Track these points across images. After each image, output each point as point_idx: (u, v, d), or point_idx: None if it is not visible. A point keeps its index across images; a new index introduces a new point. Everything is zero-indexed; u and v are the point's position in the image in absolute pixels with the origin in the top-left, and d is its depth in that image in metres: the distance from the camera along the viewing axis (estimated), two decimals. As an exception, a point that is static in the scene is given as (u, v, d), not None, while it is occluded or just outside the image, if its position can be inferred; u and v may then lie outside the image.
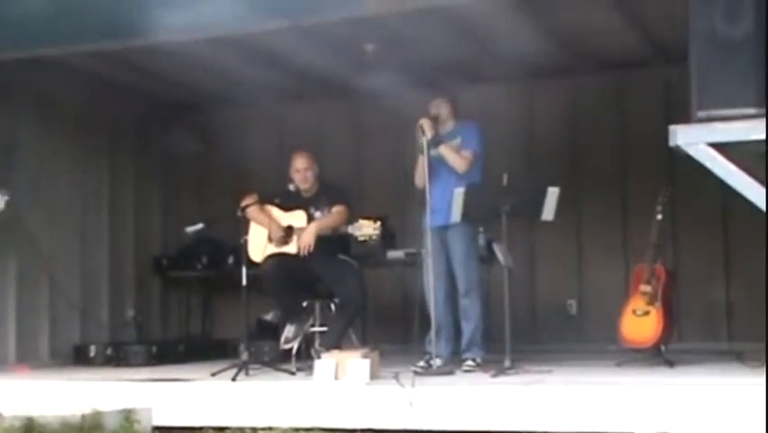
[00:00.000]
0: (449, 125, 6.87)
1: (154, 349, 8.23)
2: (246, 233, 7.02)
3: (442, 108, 6.82)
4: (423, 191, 6.55)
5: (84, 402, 5.77)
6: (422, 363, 6.44)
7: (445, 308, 6.71)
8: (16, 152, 8.12)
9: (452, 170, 6.68)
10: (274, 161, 8.91)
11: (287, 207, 7.06)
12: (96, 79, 8.55)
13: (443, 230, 6.70)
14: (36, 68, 7.62)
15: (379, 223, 6.58)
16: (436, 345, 6.53)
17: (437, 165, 6.69)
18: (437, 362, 6.47)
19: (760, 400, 4.83)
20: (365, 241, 6.66)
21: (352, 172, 9.19)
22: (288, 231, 6.97)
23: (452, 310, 6.77)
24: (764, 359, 6.04)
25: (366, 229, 6.57)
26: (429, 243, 6.59)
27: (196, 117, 9.84)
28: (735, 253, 8.53)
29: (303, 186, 7.04)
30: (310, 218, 6.92)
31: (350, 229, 6.64)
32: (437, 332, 6.56)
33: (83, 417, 5.52)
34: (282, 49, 7.74)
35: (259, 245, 7.04)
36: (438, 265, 6.68)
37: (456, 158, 6.67)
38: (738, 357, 6.85)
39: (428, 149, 6.56)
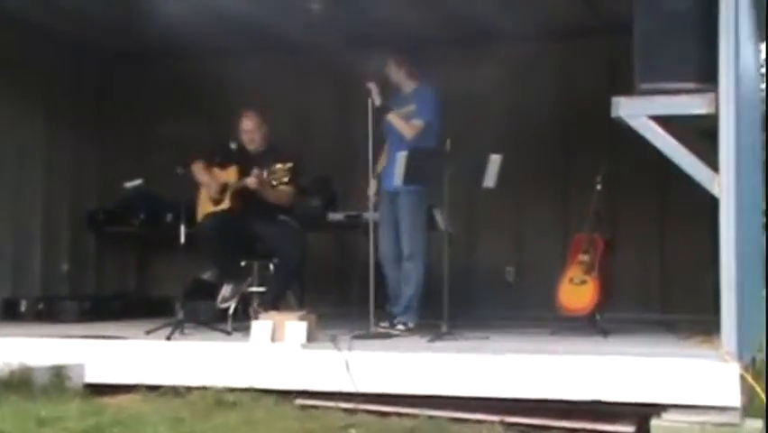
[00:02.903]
0: (408, 88, 6.84)
1: (87, 305, 8.11)
2: (196, 195, 6.98)
3: (392, 70, 6.77)
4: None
5: (12, 358, 5.68)
6: (386, 324, 6.52)
7: (396, 271, 6.76)
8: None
9: (401, 136, 6.66)
10: (215, 116, 8.81)
11: (224, 165, 6.99)
12: (31, 28, 8.32)
13: (394, 194, 6.70)
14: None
15: (290, 164, 6.50)
16: (394, 307, 6.63)
17: (392, 129, 6.70)
18: (397, 325, 6.54)
19: (690, 371, 4.92)
20: (279, 187, 6.58)
21: (296, 133, 9.10)
22: (224, 187, 6.91)
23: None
24: (696, 331, 6.15)
25: (278, 172, 6.51)
26: (371, 206, 6.60)
27: (135, 69, 9.65)
28: (670, 224, 8.66)
29: (250, 147, 6.97)
30: (242, 175, 6.82)
31: (265, 175, 6.59)
32: (395, 293, 6.67)
33: (11, 373, 5.43)
34: (222, 3, 7.59)
35: (200, 205, 7.00)
36: (390, 229, 6.70)
37: (403, 126, 6.66)
38: (670, 328, 6.97)
39: (376, 113, 6.55)
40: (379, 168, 6.84)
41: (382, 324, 6.52)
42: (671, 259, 8.68)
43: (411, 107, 6.72)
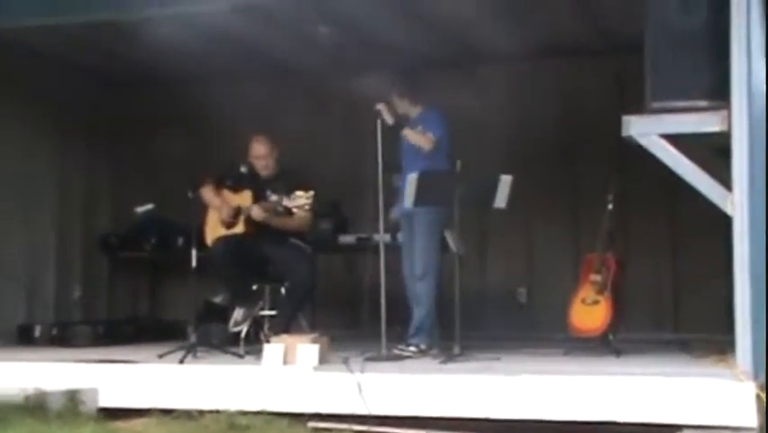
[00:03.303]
0: (414, 113, 6.87)
1: (100, 329, 8.12)
2: (203, 217, 6.98)
3: (396, 103, 6.80)
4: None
5: (28, 382, 5.69)
6: (402, 347, 6.51)
7: None
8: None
9: (419, 155, 6.65)
10: (226, 140, 8.84)
11: (237, 189, 7.00)
12: (46, 55, 8.39)
13: (410, 215, 6.72)
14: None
15: (312, 192, 6.51)
16: None
17: (406, 149, 6.72)
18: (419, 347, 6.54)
19: (706, 390, 4.89)
20: (297, 212, 6.59)
21: (306, 156, 9.11)
22: (237, 211, 6.91)
23: None
24: (711, 350, 6.12)
25: (299, 200, 6.50)
26: (381, 228, 6.62)
27: (148, 94, 9.70)
28: (683, 243, 8.63)
29: (264, 172, 6.97)
30: (256, 199, 6.85)
31: (284, 202, 6.58)
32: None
33: (26, 397, 5.43)
34: (229, 28, 7.64)
35: (211, 228, 7.00)
36: (409, 249, 6.75)
37: (420, 138, 6.66)
38: (684, 347, 6.93)
39: (392, 131, 6.59)
40: None
41: (400, 346, 6.51)
42: (684, 277, 8.63)
43: (419, 128, 6.75)
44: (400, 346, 6.52)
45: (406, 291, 6.80)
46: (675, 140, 5.39)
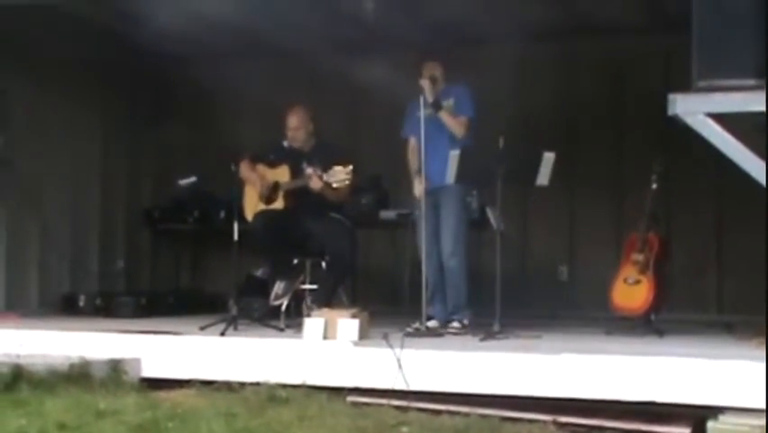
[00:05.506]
0: (442, 85, 6.83)
1: (143, 301, 8.21)
2: (242, 192, 7.03)
3: (436, 70, 6.76)
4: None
5: (72, 351, 5.78)
6: (417, 325, 6.39)
7: (440, 270, 6.71)
8: (7, 103, 8.03)
9: (444, 133, 6.64)
10: (268, 114, 8.85)
11: (276, 164, 7.02)
12: (89, 30, 8.43)
13: (436, 192, 6.68)
14: (24, 15, 7.50)
15: (351, 166, 6.50)
16: (432, 307, 6.58)
17: (431, 128, 6.65)
18: (433, 323, 6.50)
19: (748, 373, 4.84)
20: (339, 187, 6.58)
21: (347, 131, 9.12)
22: (275, 187, 6.94)
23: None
24: (754, 332, 6.06)
25: (339, 175, 6.51)
26: (423, 206, 6.60)
27: (189, 70, 9.74)
28: (727, 224, 8.54)
29: (294, 144, 6.99)
30: (294, 174, 6.87)
31: (324, 177, 6.59)
32: (433, 294, 6.63)
33: (71, 366, 5.52)
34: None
35: (250, 203, 7.04)
36: (432, 228, 6.68)
37: (454, 123, 6.65)
38: (728, 329, 6.86)
39: (428, 110, 6.58)
40: (414, 165, 6.82)
41: (413, 324, 6.38)
42: (728, 258, 8.55)
43: (450, 102, 6.72)
44: (415, 325, 6.38)
45: (427, 273, 6.52)
46: (720, 119, 5.32)
